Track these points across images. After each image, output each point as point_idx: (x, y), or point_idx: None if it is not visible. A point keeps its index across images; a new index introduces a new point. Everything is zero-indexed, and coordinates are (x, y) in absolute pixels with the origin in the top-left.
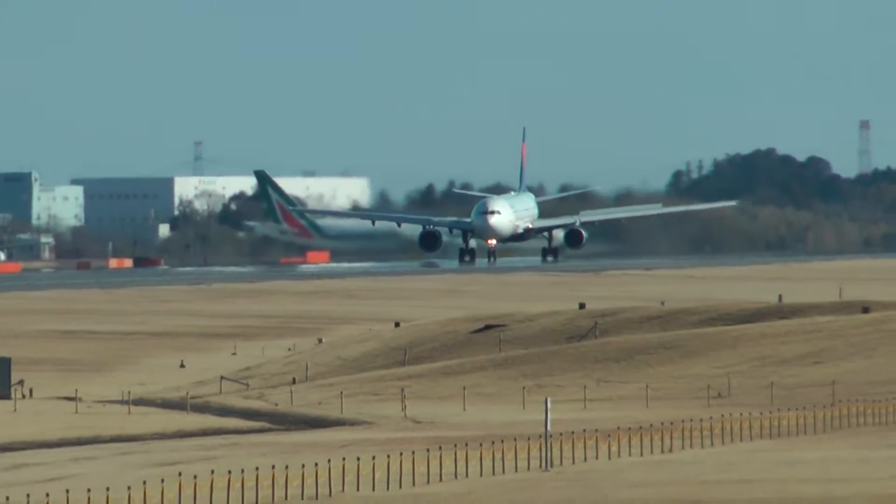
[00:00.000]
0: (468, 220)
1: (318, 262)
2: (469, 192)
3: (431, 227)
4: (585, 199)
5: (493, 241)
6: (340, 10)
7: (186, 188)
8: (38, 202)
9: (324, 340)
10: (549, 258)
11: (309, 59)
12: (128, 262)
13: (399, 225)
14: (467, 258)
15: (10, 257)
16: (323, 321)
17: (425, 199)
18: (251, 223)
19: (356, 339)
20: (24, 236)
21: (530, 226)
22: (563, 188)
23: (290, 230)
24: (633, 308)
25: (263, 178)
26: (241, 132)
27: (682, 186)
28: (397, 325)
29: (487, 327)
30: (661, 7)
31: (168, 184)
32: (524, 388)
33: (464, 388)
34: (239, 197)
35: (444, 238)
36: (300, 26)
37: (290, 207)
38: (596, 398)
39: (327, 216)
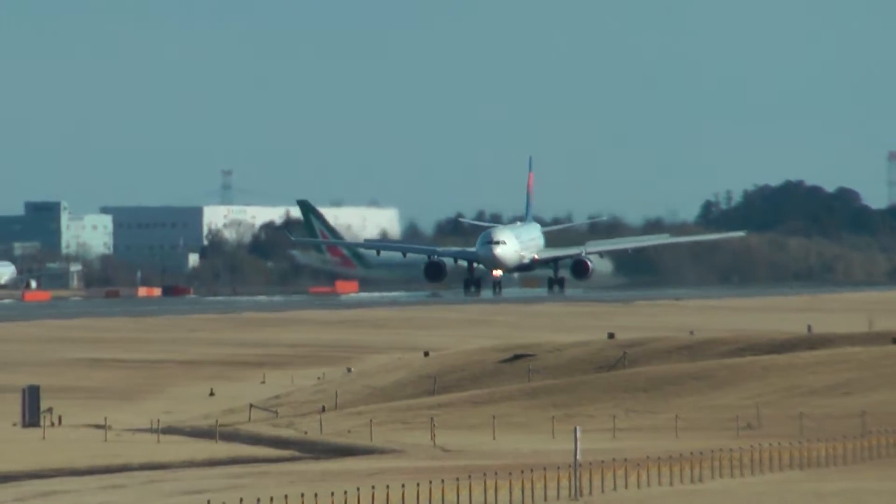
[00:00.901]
0: (473, 250)
1: (347, 291)
2: (480, 223)
3: (436, 257)
4: (615, 229)
5: (498, 272)
6: (367, 42)
7: (216, 217)
8: (68, 231)
9: (353, 369)
10: (556, 288)
11: (337, 89)
12: (157, 291)
13: (404, 255)
14: (472, 289)
15: (39, 286)
16: (352, 350)
17: (454, 229)
18: (294, 252)
19: (385, 368)
20: (53, 265)
21: (536, 256)
22: (592, 218)
23: (333, 259)
24: (662, 338)
25: (307, 208)
26: (269, 162)
27: (712, 217)
28: (426, 354)
29: (516, 357)
30: (692, 36)
31: (197, 213)
32: (553, 417)
33: (493, 418)
34: (268, 226)
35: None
36: (327, 57)
37: (334, 240)
38: (625, 428)
39: (359, 247)
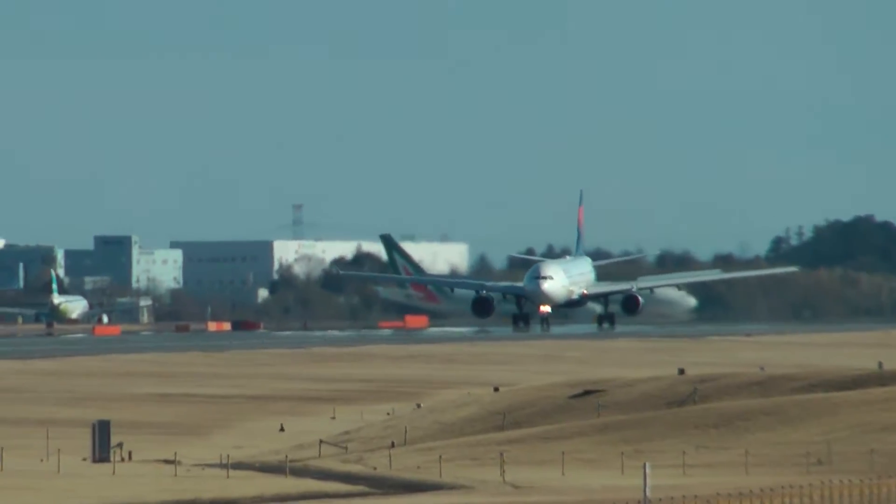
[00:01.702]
0: (521, 285)
1: (416, 325)
2: (532, 258)
3: (484, 292)
4: (684, 264)
5: (546, 307)
6: (437, 78)
7: (286, 252)
8: (138, 265)
9: (423, 405)
10: (606, 325)
11: (406, 124)
12: (226, 326)
13: (451, 290)
14: (521, 324)
15: (110, 320)
16: (422, 385)
17: (524, 263)
18: (377, 287)
19: (455, 403)
20: (123, 299)
21: (585, 291)
22: (663, 253)
23: (416, 294)
24: (732, 374)
25: (389, 243)
26: (339, 196)
27: (782, 252)
28: (496, 389)
29: (586, 392)
30: (765, 68)
31: (267, 247)
32: (623, 453)
33: (563, 453)
34: (339, 261)
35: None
36: (397, 92)
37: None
38: (695, 464)
39: (429, 283)
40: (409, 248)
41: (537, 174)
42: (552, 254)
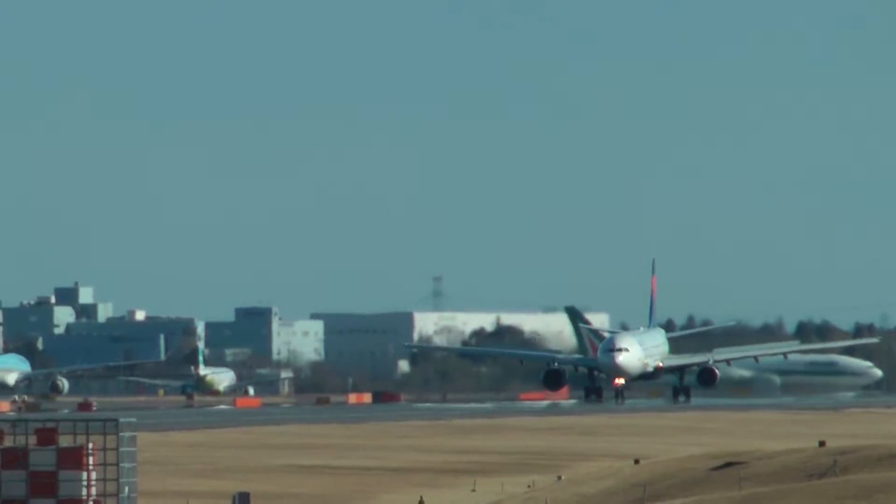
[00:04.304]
0: (594, 357)
1: (556, 398)
2: (604, 330)
3: (556, 364)
4: (824, 334)
5: (620, 380)
6: (576, 146)
7: (426, 324)
8: (278, 337)
9: (563, 477)
10: (681, 398)
11: (544, 196)
12: (367, 397)
13: (522, 362)
14: (593, 397)
15: (255, 392)
16: (561, 457)
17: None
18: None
19: (595, 475)
20: (263, 371)
21: (660, 364)
22: (802, 324)
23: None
24: (873, 446)
25: (574, 314)
26: (478, 268)
27: None
28: (636, 461)
29: (727, 464)
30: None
31: (407, 319)
32: None
33: None
34: (479, 333)
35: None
36: (535, 163)
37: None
38: None
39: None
40: (549, 319)
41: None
42: (691, 326)
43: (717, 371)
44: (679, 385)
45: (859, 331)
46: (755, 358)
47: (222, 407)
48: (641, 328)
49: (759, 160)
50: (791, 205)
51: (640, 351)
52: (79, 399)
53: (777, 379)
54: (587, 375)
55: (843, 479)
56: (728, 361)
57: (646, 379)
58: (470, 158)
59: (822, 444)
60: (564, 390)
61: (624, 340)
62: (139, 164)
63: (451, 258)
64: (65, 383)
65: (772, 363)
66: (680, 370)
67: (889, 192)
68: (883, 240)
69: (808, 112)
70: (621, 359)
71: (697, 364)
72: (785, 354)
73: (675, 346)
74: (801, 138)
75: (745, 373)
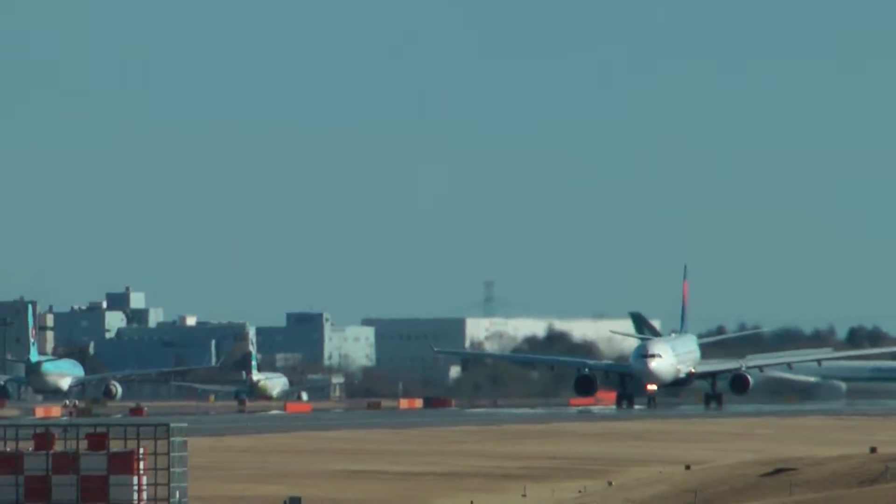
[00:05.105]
0: (626, 363)
1: (606, 402)
2: (634, 336)
3: (587, 370)
4: (876, 340)
5: (653, 386)
6: (618, 158)
7: (477, 330)
8: (330, 342)
9: (613, 483)
10: (713, 405)
11: (594, 201)
12: (418, 403)
13: (553, 368)
14: (625, 404)
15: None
16: (612, 463)
17: (719, 342)
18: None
19: (646, 481)
20: (315, 376)
21: (693, 370)
22: (853, 331)
23: None
24: None
25: (640, 320)
26: (530, 273)
27: None
28: (687, 467)
29: (777, 471)
30: None
31: (459, 324)
32: None
33: None
34: (531, 339)
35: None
36: (586, 168)
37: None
38: None
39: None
40: (599, 325)
41: (727, 250)
42: (743, 331)
43: (749, 377)
44: (711, 391)
45: None
46: (788, 364)
47: (274, 412)
48: (673, 334)
49: (811, 167)
50: (844, 212)
51: (672, 357)
52: (130, 404)
53: (843, 385)
54: (619, 382)
55: (894, 485)
56: (761, 368)
57: (678, 385)
58: (523, 164)
59: (873, 450)
60: (613, 395)
61: (657, 346)
62: (190, 170)
63: (504, 263)
64: (118, 388)
65: (835, 369)
66: (712, 376)
67: None
68: None
69: (857, 114)
70: (654, 365)
71: (729, 370)
72: (819, 361)
73: (724, 351)
74: (852, 141)
75: (809, 379)
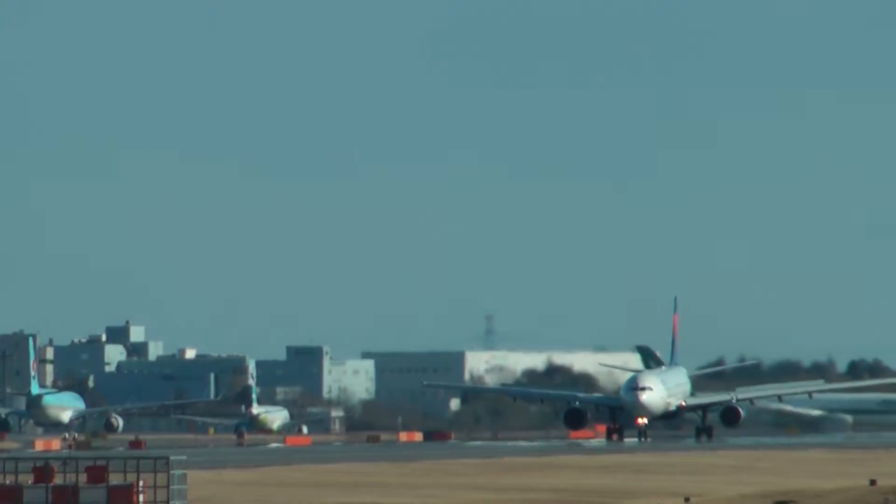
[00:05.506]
0: (616, 396)
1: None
2: (620, 368)
3: (577, 403)
4: (876, 372)
5: (643, 419)
6: (619, 191)
7: (477, 363)
8: (329, 375)
9: None
10: (704, 438)
11: (596, 235)
12: (418, 436)
13: (542, 401)
14: (615, 437)
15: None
16: (613, 495)
17: (717, 374)
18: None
19: None
20: (314, 409)
21: (683, 403)
22: (854, 363)
23: None
24: None
25: (647, 354)
26: (531, 307)
27: None
28: (687, 500)
29: (779, 503)
30: None
31: (459, 358)
32: None
33: None
34: (530, 373)
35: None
36: (589, 201)
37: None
38: None
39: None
40: (600, 357)
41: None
42: (742, 362)
43: (740, 410)
44: (702, 424)
45: None
46: (779, 397)
47: (273, 445)
48: (663, 367)
49: (812, 199)
50: (845, 244)
51: (663, 390)
52: (130, 437)
53: (849, 418)
54: (608, 415)
55: None
56: (752, 400)
57: (668, 418)
58: (524, 198)
59: (873, 482)
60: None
61: (647, 379)
62: (189, 203)
63: (503, 297)
64: (120, 421)
65: (842, 402)
66: (703, 409)
67: None
68: None
69: (856, 146)
70: (645, 397)
71: (720, 403)
72: (810, 394)
73: (723, 384)
74: (852, 172)
75: (814, 412)
